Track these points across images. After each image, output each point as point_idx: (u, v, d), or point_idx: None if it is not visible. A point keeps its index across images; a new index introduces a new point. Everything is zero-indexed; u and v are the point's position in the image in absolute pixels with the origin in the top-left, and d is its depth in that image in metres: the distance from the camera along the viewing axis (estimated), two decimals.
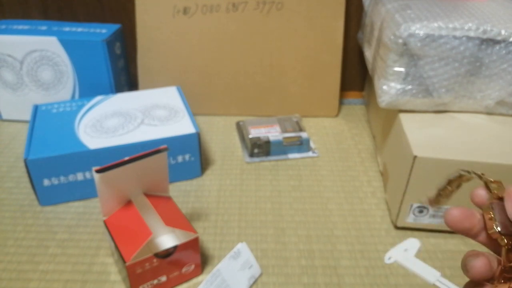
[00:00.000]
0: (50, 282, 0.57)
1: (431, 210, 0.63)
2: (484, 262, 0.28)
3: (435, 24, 0.61)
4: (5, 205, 0.70)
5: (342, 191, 0.74)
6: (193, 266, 0.57)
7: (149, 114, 0.75)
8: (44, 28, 0.84)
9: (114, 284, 0.57)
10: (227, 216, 0.69)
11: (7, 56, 0.83)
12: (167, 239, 0.53)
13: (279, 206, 0.71)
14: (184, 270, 0.57)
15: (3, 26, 0.85)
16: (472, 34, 0.61)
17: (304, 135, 0.82)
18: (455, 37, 0.61)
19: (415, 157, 0.59)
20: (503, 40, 0.61)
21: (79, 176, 0.69)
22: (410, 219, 0.65)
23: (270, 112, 0.94)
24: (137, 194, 0.59)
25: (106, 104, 0.78)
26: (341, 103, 1.01)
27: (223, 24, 0.87)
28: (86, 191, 0.70)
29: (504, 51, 0.61)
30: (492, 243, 0.30)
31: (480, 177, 0.31)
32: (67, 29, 0.85)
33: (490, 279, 0.28)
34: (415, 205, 0.63)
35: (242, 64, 0.90)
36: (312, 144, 0.86)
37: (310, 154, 0.83)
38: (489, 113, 0.68)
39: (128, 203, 0.58)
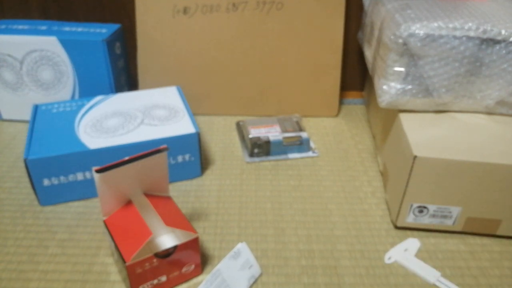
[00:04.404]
0: (50, 282, 0.57)
1: (431, 210, 0.63)
2: None
3: (435, 24, 0.61)
4: (5, 205, 0.70)
5: (342, 191, 0.74)
6: (193, 266, 0.57)
7: (149, 114, 0.75)
8: (44, 28, 0.84)
9: (114, 284, 0.57)
10: (227, 216, 0.69)
11: (7, 56, 0.83)
12: (167, 239, 0.53)
13: (279, 206, 0.71)
14: (184, 270, 0.57)
15: (3, 26, 0.85)
16: (472, 34, 0.61)
17: (304, 135, 0.82)
18: (455, 37, 0.61)
19: (415, 157, 0.59)
20: (503, 40, 0.61)
21: (79, 176, 0.69)
22: (410, 219, 0.65)
23: (270, 112, 0.94)
24: (137, 194, 0.59)
25: (106, 104, 0.78)
26: (341, 103, 1.01)
27: (223, 24, 0.87)
28: (86, 191, 0.70)
29: (504, 51, 0.61)
30: None
31: None
32: (67, 29, 0.85)
33: None
34: (415, 205, 0.63)
35: (242, 64, 0.90)
36: (312, 144, 0.86)
37: (310, 154, 0.83)
38: (489, 113, 0.68)
39: (128, 203, 0.58)
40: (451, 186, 0.60)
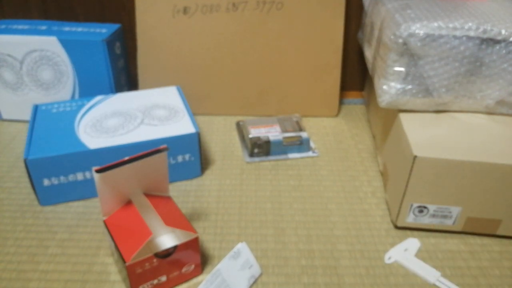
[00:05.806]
0: (50, 282, 0.57)
1: (431, 210, 0.63)
2: None
3: (435, 24, 0.61)
4: (5, 205, 0.70)
5: (342, 191, 0.74)
6: (193, 266, 0.57)
7: (149, 114, 0.75)
8: (44, 28, 0.84)
9: (114, 284, 0.57)
10: (227, 216, 0.69)
11: (7, 56, 0.83)
12: (167, 239, 0.53)
13: (279, 206, 0.71)
14: (184, 270, 0.57)
15: (3, 26, 0.85)
16: (472, 33, 0.61)
17: (304, 135, 0.82)
18: (455, 37, 0.61)
19: (415, 157, 0.59)
20: (503, 40, 0.61)
21: (79, 176, 0.69)
22: (410, 219, 0.65)
23: (270, 112, 0.94)
24: (137, 194, 0.59)
25: (106, 104, 0.78)
26: (341, 103, 1.01)
27: (223, 24, 0.87)
28: (86, 191, 0.70)
29: (504, 51, 0.61)
30: None
31: None
32: (67, 29, 0.85)
33: None
34: (415, 204, 0.63)
35: (242, 64, 0.90)
36: (312, 144, 0.86)
37: (310, 154, 0.83)
38: (489, 113, 0.68)
39: (128, 203, 0.58)
40: (451, 186, 0.60)
